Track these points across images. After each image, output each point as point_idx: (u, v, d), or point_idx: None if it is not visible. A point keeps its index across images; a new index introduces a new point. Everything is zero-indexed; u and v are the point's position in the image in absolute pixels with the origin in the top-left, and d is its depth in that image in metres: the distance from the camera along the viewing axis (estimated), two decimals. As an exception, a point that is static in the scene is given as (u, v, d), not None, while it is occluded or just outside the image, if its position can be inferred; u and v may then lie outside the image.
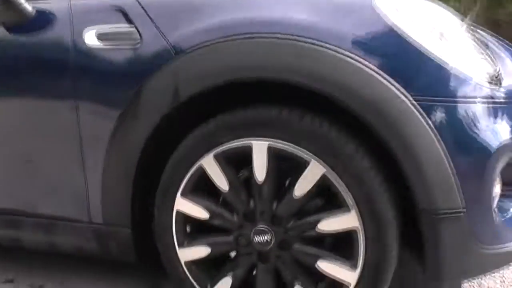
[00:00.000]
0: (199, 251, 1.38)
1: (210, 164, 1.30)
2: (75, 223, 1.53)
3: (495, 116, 1.21)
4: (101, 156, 1.41)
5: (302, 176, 1.22)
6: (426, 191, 1.15)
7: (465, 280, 1.38)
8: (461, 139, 1.16)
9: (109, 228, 1.49)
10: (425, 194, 1.15)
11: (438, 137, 1.13)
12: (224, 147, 1.28)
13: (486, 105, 1.20)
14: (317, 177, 1.21)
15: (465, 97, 1.18)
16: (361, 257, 1.22)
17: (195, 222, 1.41)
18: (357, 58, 1.15)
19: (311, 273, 1.34)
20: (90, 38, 1.37)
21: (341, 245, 1.35)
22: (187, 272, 1.41)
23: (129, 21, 1.34)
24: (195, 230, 1.43)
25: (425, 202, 1.16)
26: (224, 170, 1.30)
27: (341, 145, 1.19)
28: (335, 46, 1.16)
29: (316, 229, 1.24)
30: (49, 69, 1.45)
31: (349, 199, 1.19)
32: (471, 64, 1.24)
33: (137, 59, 1.33)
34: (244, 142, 1.26)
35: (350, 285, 1.25)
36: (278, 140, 1.23)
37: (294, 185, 1.24)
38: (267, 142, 1.23)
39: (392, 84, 1.13)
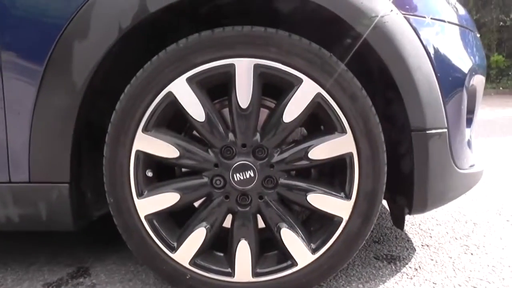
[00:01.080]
0: (165, 200, 1.15)
1: (182, 90, 1.11)
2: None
3: (466, 40, 1.27)
4: (29, 99, 1.14)
5: (293, 97, 1.10)
6: (419, 110, 1.14)
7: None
8: (445, 59, 1.19)
9: (39, 186, 1.17)
10: (418, 113, 1.14)
11: (429, 56, 1.14)
12: (199, 69, 1.10)
13: (458, 28, 1.26)
14: (310, 98, 1.10)
15: (441, 19, 1.22)
16: (355, 184, 1.13)
17: (159, 165, 1.18)
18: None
19: (296, 213, 1.22)
20: None
21: (327, 178, 1.26)
22: (148, 229, 1.16)
23: None
24: (157, 175, 1.19)
25: (418, 120, 1.14)
26: (199, 97, 1.12)
27: (334, 63, 1.11)
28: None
29: (308, 158, 1.13)
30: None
31: (343, 121, 1.11)
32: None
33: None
34: (224, 62, 1.10)
35: (343, 220, 1.15)
36: (265, 60, 1.10)
37: (282, 110, 1.12)
38: (254, 60, 1.10)
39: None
